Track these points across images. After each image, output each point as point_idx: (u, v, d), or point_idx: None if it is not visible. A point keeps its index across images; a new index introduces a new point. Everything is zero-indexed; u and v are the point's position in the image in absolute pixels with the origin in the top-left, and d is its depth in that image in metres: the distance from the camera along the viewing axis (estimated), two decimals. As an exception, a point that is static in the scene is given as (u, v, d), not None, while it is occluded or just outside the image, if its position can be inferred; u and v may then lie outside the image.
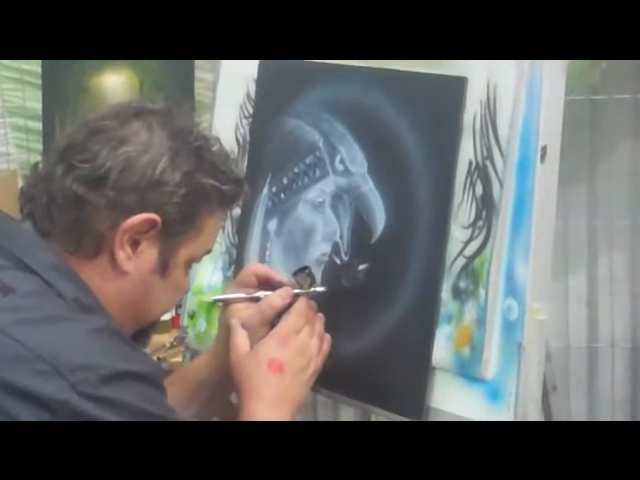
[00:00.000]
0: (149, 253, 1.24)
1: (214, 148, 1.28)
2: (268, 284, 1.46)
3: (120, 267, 1.22)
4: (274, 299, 1.42)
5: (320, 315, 1.45)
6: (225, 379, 1.41)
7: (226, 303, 1.47)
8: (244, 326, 1.40)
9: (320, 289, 1.47)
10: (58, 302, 1.16)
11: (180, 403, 1.44)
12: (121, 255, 1.22)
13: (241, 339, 1.39)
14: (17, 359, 1.07)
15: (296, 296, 1.44)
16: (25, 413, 1.05)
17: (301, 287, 1.46)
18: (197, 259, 1.31)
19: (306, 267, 1.48)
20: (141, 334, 1.33)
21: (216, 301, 1.53)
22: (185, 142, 1.24)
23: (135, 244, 1.22)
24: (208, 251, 1.32)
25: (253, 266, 1.52)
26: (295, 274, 1.48)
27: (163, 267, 1.25)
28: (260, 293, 1.45)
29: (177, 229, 1.24)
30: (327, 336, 1.43)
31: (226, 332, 1.43)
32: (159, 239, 1.23)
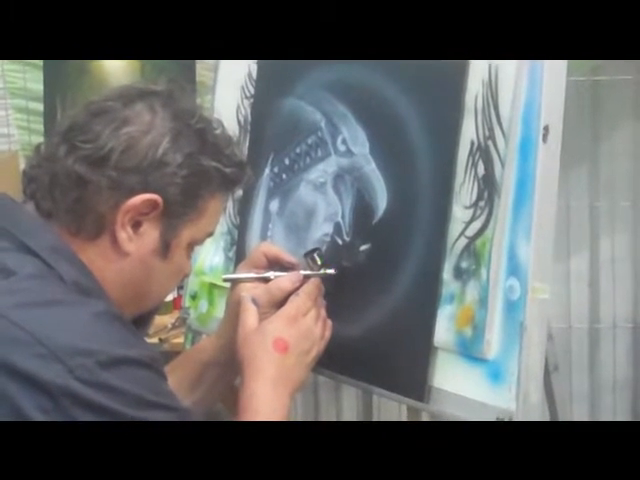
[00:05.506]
0: (151, 234, 1.24)
1: (217, 131, 1.27)
2: (278, 264, 1.46)
3: (121, 248, 1.22)
4: (284, 282, 1.42)
5: (323, 301, 1.45)
6: (231, 359, 1.41)
7: (235, 282, 1.47)
8: (254, 302, 1.40)
9: (330, 271, 1.47)
10: (58, 285, 1.16)
11: (186, 385, 1.45)
12: (122, 236, 1.22)
13: (250, 316, 1.39)
14: (16, 343, 1.07)
15: (305, 278, 1.44)
16: (25, 397, 1.05)
17: (311, 269, 1.45)
18: (199, 242, 1.31)
19: (317, 248, 1.48)
20: (141, 321, 1.33)
21: (225, 280, 1.52)
22: (187, 124, 1.24)
23: (137, 225, 1.22)
24: (210, 234, 1.32)
25: (264, 246, 1.51)
26: (306, 255, 1.47)
27: (165, 249, 1.25)
28: (270, 274, 1.44)
29: (179, 210, 1.24)
30: (329, 322, 1.43)
31: (233, 312, 1.43)
32: (161, 220, 1.23)
